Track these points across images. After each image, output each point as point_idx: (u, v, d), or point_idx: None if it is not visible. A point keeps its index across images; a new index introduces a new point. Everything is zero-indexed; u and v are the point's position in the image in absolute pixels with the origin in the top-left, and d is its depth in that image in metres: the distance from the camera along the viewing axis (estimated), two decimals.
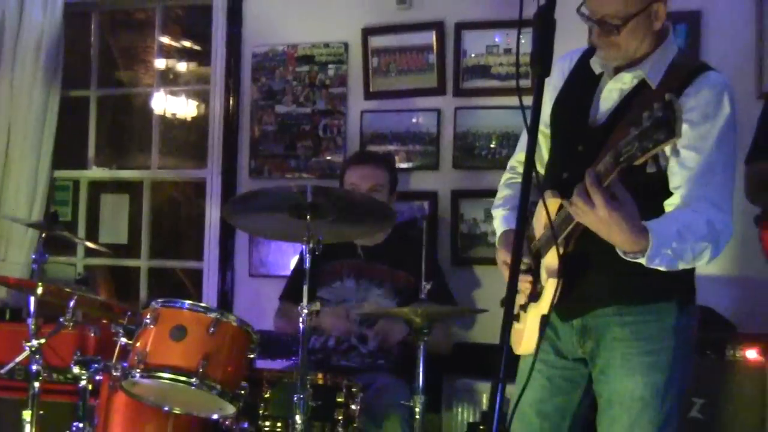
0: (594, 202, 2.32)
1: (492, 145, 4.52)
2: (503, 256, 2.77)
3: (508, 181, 3.01)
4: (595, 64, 2.75)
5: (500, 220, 2.92)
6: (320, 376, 3.51)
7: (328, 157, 4.84)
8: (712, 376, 3.53)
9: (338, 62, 4.86)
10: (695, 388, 3.47)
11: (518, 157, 3.00)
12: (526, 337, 2.75)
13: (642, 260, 2.42)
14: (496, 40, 4.55)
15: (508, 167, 3.05)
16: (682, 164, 2.54)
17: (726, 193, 2.58)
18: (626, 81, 2.67)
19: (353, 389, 3.46)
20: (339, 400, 3.46)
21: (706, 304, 3.85)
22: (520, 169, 2.94)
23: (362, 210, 3.47)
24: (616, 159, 2.28)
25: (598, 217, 2.34)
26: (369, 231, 3.84)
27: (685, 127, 2.29)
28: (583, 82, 2.76)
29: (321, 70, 4.89)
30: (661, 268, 2.46)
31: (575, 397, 2.79)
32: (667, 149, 2.16)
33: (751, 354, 3.51)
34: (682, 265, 2.49)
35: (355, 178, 4.11)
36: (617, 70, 2.70)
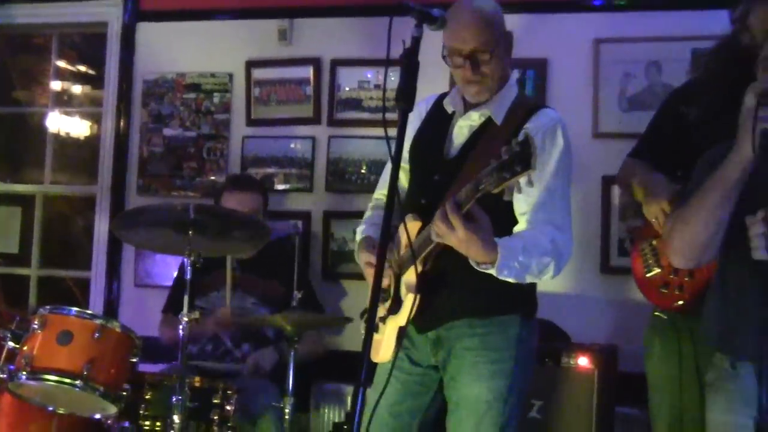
0: (454, 225, 2.37)
1: (362, 171, 4.55)
2: (366, 258, 2.78)
3: (368, 212, 3.02)
4: (448, 105, 2.82)
5: (360, 233, 2.93)
6: (198, 379, 3.48)
7: (212, 177, 4.79)
8: (549, 381, 3.60)
9: (223, 91, 4.83)
10: (535, 391, 3.54)
11: (380, 192, 3.02)
12: (383, 347, 2.77)
13: (492, 271, 2.48)
14: (368, 76, 4.60)
15: (371, 204, 3.06)
16: (526, 192, 2.59)
17: (565, 216, 2.67)
18: (474, 119, 2.73)
19: (228, 391, 3.44)
20: (215, 401, 3.43)
21: (545, 317, 3.95)
22: (382, 201, 2.97)
23: (240, 227, 3.46)
24: (476, 187, 2.33)
25: (457, 238, 2.39)
26: (246, 246, 3.82)
27: None
28: (438, 121, 2.82)
29: (207, 98, 4.84)
30: (510, 280, 2.51)
31: (426, 399, 2.81)
32: (522, 181, 2.21)
33: (583, 362, 3.60)
34: (529, 278, 2.56)
35: (232, 203, 4.04)
36: (466, 109, 2.76)
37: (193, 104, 4.85)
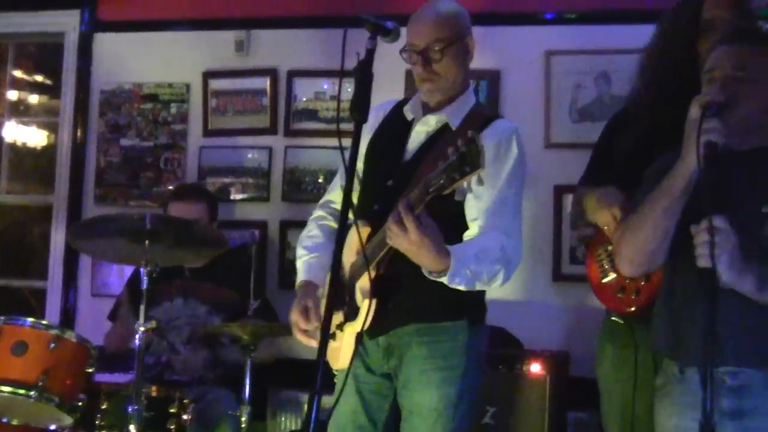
0: (407, 227, 2.35)
1: (319, 181, 4.54)
2: (295, 319, 2.75)
3: (319, 220, 3.00)
4: (408, 111, 2.82)
5: (302, 266, 2.89)
6: (154, 388, 3.44)
7: (170, 187, 4.75)
8: (502, 387, 3.62)
9: (180, 101, 4.79)
10: (488, 397, 3.56)
11: (330, 196, 3.02)
12: (342, 354, 2.75)
13: (444, 279, 2.46)
14: (324, 87, 4.60)
15: (321, 202, 3.04)
16: (478, 198, 2.62)
17: (516, 224, 2.67)
18: (432, 124, 2.74)
19: (185, 401, 3.42)
20: (172, 410, 3.40)
21: (499, 325, 3.97)
22: (334, 206, 2.97)
23: (197, 237, 3.44)
24: (427, 189, 2.32)
25: (410, 240, 2.36)
26: (202, 256, 3.79)
27: None
28: (396, 127, 2.82)
29: (164, 108, 4.81)
30: (461, 288, 2.51)
31: (384, 408, 2.80)
32: (473, 180, 2.22)
33: (535, 368, 3.62)
34: (479, 286, 2.55)
35: (174, 212, 4.02)
36: (425, 114, 2.77)
37: (151, 114, 4.82)
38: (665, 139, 2.68)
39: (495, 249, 2.54)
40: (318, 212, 3.02)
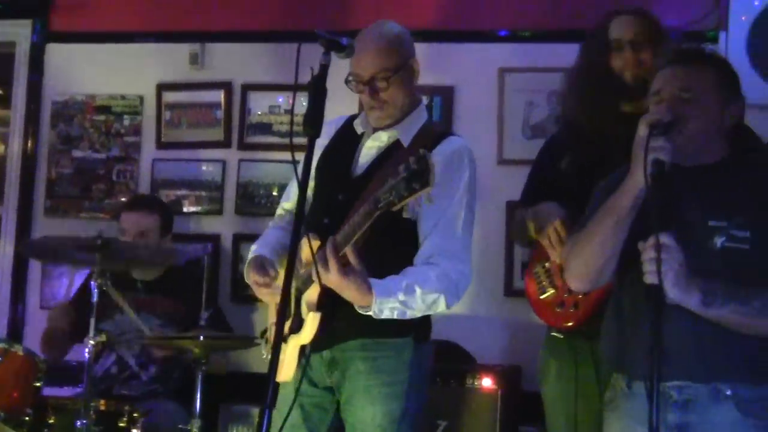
0: (329, 267, 2.43)
1: (273, 194, 4.53)
2: (253, 277, 2.76)
3: (268, 228, 3.04)
4: (358, 126, 2.85)
5: (251, 253, 2.92)
6: (103, 402, 3.41)
7: (122, 199, 4.70)
8: (454, 401, 3.63)
9: (134, 113, 4.76)
10: (440, 412, 3.57)
11: (284, 206, 3.04)
12: (285, 366, 2.73)
13: (370, 313, 2.54)
14: (279, 101, 4.59)
15: (276, 214, 3.08)
16: (428, 217, 2.65)
17: (465, 245, 2.70)
18: (383, 139, 2.76)
19: (134, 414, 3.38)
20: (121, 425, 3.37)
21: (451, 339, 3.99)
22: (288, 217, 2.99)
23: (148, 257, 3.43)
24: (376, 205, 2.35)
25: (331, 280, 2.45)
26: (150, 269, 3.78)
27: None
28: (346, 141, 2.85)
29: (117, 120, 4.76)
30: (395, 317, 2.57)
31: (325, 422, 2.81)
32: (422, 198, 2.24)
33: (487, 382, 3.64)
34: (418, 313, 2.61)
35: (125, 223, 4.02)
36: (376, 130, 2.79)
37: (103, 126, 4.77)
38: (600, 157, 2.80)
39: (431, 278, 2.58)
40: (272, 222, 3.06)
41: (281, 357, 2.70)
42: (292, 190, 3.01)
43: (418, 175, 2.23)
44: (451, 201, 2.66)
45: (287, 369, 2.72)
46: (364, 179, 2.71)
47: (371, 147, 2.78)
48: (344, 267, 2.46)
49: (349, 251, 2.47)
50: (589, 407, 2.82)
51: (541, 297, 2.97)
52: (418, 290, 2.56)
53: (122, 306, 3.58)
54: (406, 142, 2.73)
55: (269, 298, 2.77)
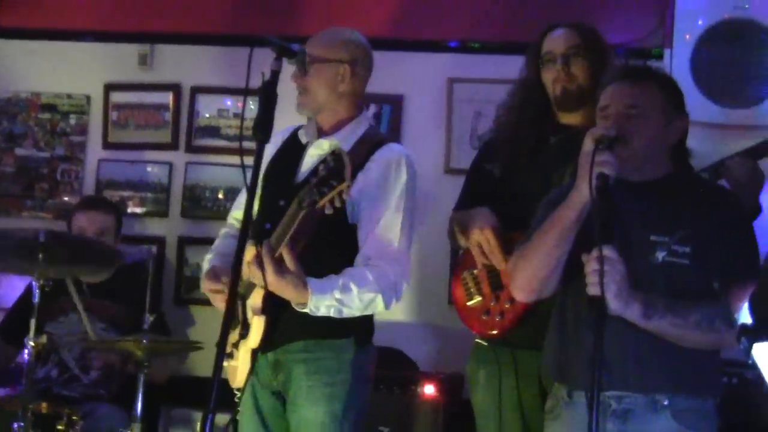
0: (265, 268, 2.47)
1: (219, 197, 4.51)
2: (209, 285, 2.81)
3: (221, 235, 3.07)
4: (302, 135, 2.89)
5: (207, 262, 2.97)
6: (43, 404, 3.35)
7: (65, 199, 4.64)
8: (397, 408, 3.64)
9: (80, 113, 4.70)
10: (383, 419, 3.58)
11: (234, 215, 3.06)
12: (240, 372, 2.78)
13: (306, 310, 2.59)
14: (227, 104, 4.57)
15: (227, 223, 3.10)
16: (367, 221, 2.72)
17: (404, 247, 2.75)
18: (324, 147, 2.81)
19: (74, 417, 3.34)
20: (59, 428, 3.32)
21: (395, 347, 4.00)
22: (237, 225, 2.99)
23: (92, 252, 3.39)
24: (300, 205, 2.42)
25: (267, 281, 2.48)
26: (97, 271, 3.73)
27: (369, 189, 2.63)
28: (291, 150, 2.89)
29: (63, 119, 4.70)
30: (331, 315, 2.62)
31: (284, 426, 2.82)
32: (342, 192, 2.33)
33: (429, 390, 3.66)
34: (356, 312, 2.66)
35: (83, 221, 3.98)
36: (320, 136, 2.85)
37: (48, 125, 4.70)
38: (530, 165, 2.88)
39: (368, 278, 2.64)
40: (222, 230, 3.08)
41: (235, 364, 2.75)
42: (241, 201, 3.02)
43: (334, 172, 2.31)
44: (389, 206, 2.72)
45: (241, 375, 2.76)
46: (301, 185, 2.72)
47: (313, 155, 2.83)
48: (280, 267, 2.52)
49: (284, 251, 2.53)
50: (514, 416, 2.86)
51: (468, 303, 2.99)
52: (354, 289, 2.61)
53: (77, 306, 3.53)
54: (346, 149, 2.76)
55: (220, 303, 2.78)
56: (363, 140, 2.81)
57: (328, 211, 2.39)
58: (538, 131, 2.97)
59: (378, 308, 2.69)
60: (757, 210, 2.81)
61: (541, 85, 2.99)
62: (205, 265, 2.96)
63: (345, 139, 2.79)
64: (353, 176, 2.50)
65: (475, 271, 2.97)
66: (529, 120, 2.98)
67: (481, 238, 2.84)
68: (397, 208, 2.73)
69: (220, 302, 2.78)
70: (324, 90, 2.81)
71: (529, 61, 3.06)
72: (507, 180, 2.99)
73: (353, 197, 2.66)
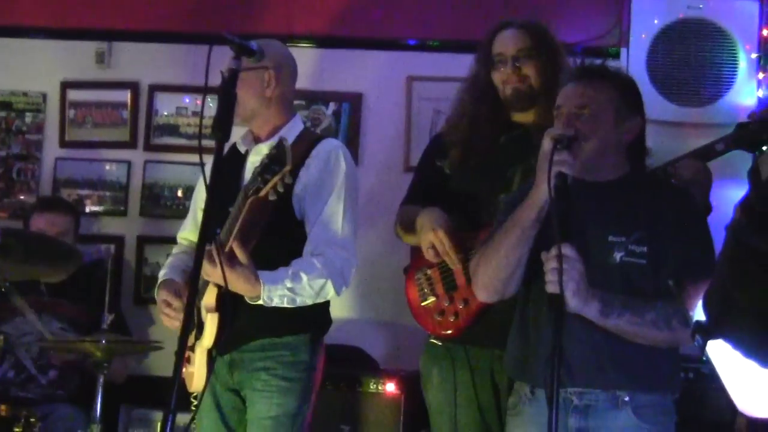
0: (215, 262, 2.48)
1: (178, 196, 4.47)
2: (164, 296, 2.85)
3: (172, 254, 3.12)
4: (241, 146, 2.95)
5: (162, 276, 3.01)
6: (1, 407, 3.30)
7: (22, 197, 4.56)
8: (358, 406, 3.63)
9: (36, 111, 4.62)
10: (343, 416, 3.57)
11: (182, 235, 3.13)
12: (197, 376, 2.82)
13: (260, 302, 2.65)
14: (186, 102, 4.52)
15: (177, 242, 3.16)
16: (311, 214, 2.79)
17: (348, 234, 2.82)
18: (263, 152, 2.85)
19: (31, 419, 3.30)
20: (17, 430, 3.27)
21: (355, 344, 4.00)
22: (185, 243, 3.11)
23: (50, 251, 3.35)
24: (246, 193, 2.49)
25: (220, 275, 2.48)
26: (56, 271, 3.67)
27: (311, 184, 2.73)
28: (233, 161, 2.91)
29: (18, 117, 4.62)
30: (285, 305, 2.68)
31: (240, 422, 2.86)
32: (284, 177, 2.39)
33: (390, 387, 3.65)
34: (308, 300, 2.73)
35: (42, 224, 3.92)
36: (257, 143, 2.91)
37: (4, 123, 4.62)
38: (477, 161, 2.91)
39: (316, 266, 2.71)
40: (171, 258, 3.12)
41: (192, 369, 2.76)
42: (188, 222, 3.12)
43: (276, 158, 2.38)
44: (330, 196, 2.79)
45: (197, 379, 2.80)
46: None
47: (254, 161, 2.86)
48: (231, 261, 2.56)
49: (235, 245, 2.58)
50: (469, 412, 2.88)
51: (423, 304, 2.99)
52: (304, 277, 2.68)
53: (23, 309, 3.48)
54: None
55: (174, 324, 2.81)
56: (300, 140, 2.86)
57: (272, 197, 2.44)
58: (490, 130, 2.97)
59: (329, 294, 2.76)
60: (708, 209, 2.85)
61: (492, 84, 2.99)
62: (160, 282, 2.99)
63: None
64: (295, 174, 2.62)
65: (429, 272, 2.97)
66: (481, 118, 2.99)
67: (435, 239, 2.83)
68: (338, 197, 2.80)
69: (167, 321, 2.84)
70: (253, 98, 2.85)
71: (479, 59, 3.05)
72: (457, 178, 3.00)
73: (298, 194, 2.76)
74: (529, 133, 2.90)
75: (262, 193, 2.43)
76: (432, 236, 2.84)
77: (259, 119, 2.90)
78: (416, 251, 3.07)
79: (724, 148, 2.79)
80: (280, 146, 2.40)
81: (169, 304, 2.83)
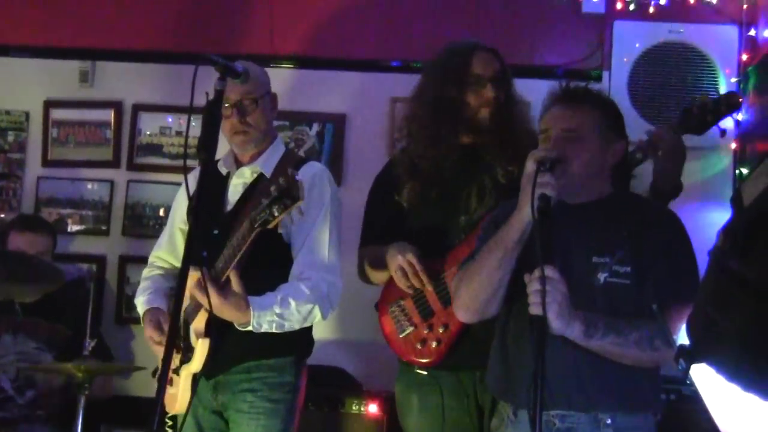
0: (208, 292, 2.47)
1: (160, 215, 4.44)
2: (149, 333, 2.89)
3: (147, 274, 3.12)
4: (222, 167, 2.95)
5: (142, 305, 3.01)
6: None
7: (2, 216, 4.53)
8: (340, 427, 3.62)
9: (18, 129, 4.60)
10: None
11: (157, 253, 3.14)
12: (180, 399, 2.81)
13: (250, 328, 2.66)
14: (169, 122, 4.51)
15: (149, 262, 3.16)
16: (298, 237, 2.80)
17: (333, 258, 2.83)
18: (247, 175, 2.88)
19: None
20: None
21: (338, 365, 3.98)
22: (159, 263, 3.12)
23: (31, 271, 3.32)
24: (252, 224, 2.46)
25: (211, 304, 2.49)
26: (36, 290, 3.64)
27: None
28: (214, 183, 2.89)
29: (1, 135, 4.60)
30: (274, 331, 2.69)
31: None
32: (294, 212, 2.39)
33: (372, 408, 3.64)
34: (296, 325, 2.74)
35: (21, 243, 3.89)
36: (239, 167, 2.92)
37: None
38: (439, 186, 2.89)
39: (303, 291, 2.73)
40: (146, 270, 3.14)
41: (174, 391, 2.76)
42: (162, 241, 3.13)
43: (287, 192, 2.36)
44: (316, 220, 2.81)
45: (181, 400, 2.80)
46: (234, 214, 2.84)
47: (237, 184, 2.91)
48: (222, 290, 2.57)
49: (232, 274, 2.59)
50: None
51: (401, 336, 2.95)
52: (292, 303, 2.70)
53: None
54: (268, 173, 2.87)
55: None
56: (283, 161, 2.88)
57: (281, 230, 2.44)
58: (446, 150, 2.94)
59: (316, 319, 2.78)
60: (679, 188, 2.91)
61: (460, 104, 2.92)
62: (140, 308, 3.00)
63: (265, 164, 2.88)
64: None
65: (402, 302, 2.95)
66: (439, 139, 2.94)
67: (404, 263, 2.82)
68: (324, 221, 2.82)
69: (158, 353, 2.83)
70: (265, 123, 2.90)
71: (450, 79, 2.95)
72: (417, 212, 2.96)
73: (284, 218, 2.69)
74: (477, 152, 2.91)
75: (271, 225, 2.43)
76: (401, 260, 2.83)
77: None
78: (385, 287, 3.05)
79: (675, 132, 2.93)
80: (291, 179, 2.37)
81: (156, 342, 2.87)
